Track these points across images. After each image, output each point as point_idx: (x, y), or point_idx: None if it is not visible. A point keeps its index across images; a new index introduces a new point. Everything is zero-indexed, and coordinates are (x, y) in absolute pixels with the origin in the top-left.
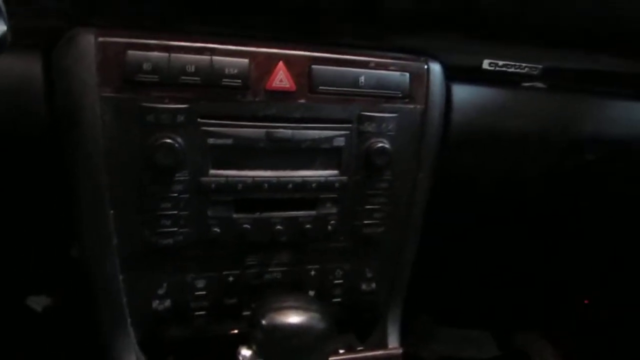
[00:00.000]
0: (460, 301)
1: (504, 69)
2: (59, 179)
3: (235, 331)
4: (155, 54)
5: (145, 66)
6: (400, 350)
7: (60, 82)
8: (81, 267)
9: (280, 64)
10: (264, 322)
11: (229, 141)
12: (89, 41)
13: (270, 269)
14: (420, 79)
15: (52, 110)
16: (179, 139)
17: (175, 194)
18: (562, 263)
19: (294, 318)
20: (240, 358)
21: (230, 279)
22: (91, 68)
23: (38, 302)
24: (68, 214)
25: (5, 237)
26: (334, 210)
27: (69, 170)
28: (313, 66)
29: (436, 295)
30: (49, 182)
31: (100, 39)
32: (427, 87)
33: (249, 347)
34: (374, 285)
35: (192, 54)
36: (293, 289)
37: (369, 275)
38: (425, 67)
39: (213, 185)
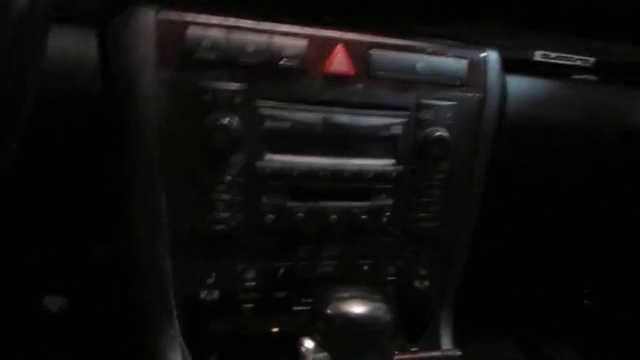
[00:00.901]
0: (487, 306)
1: (555, 60)
2: (110, 159)
3: (277, 329)
4: (215, 32)
5: (204, 44)
6: (459, 353)
7: (116, 58)
8: (128, 254)
9: (339, 46)
10: (328, 311)
11: (286, 125)
12: (149, 17)
13: (322, 262)
14: (477, 67)
15: (107, 87)
16: (236, 121)
17: (230, 178)
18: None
19: (359, 308)
20: (303, 350)
21: (281, 270)
22: (150, 45)
23: (54, 302)
24: (116, 199)
25: (32, 228)
26: (389, 201)
27: (123, 149)
28: (371, 50)
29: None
30: (99, 163)
31: (160, 15)
32: (485, 75)
33: (313, 338)
34: (427, 283)
35: (251, 34)
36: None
37: (423, 272)
38: (483, 55)
39: (268, 170)
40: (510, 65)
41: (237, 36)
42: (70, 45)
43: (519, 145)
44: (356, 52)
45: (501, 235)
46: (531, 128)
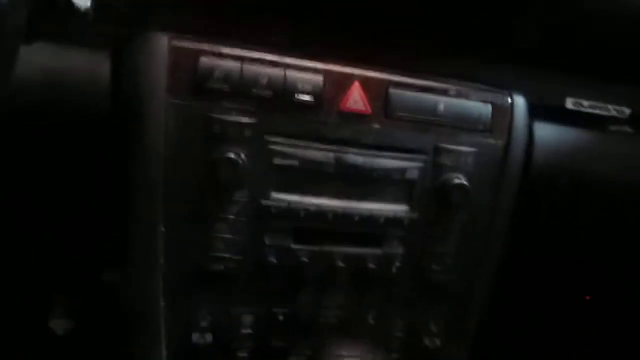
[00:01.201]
0: None
1: (589, 110)
2: (114, 183)
3: None
4: (229, 62)
5: (217, 74)
6: None
7: (128, 82)
8: (121, 287)
9: (356, 84)
10: None
11: (296, 162)
12: (162, 44)
13: (324, 311)
14: (503, 112)
15: (116, 110)
16: (244, 155)
17: (233, 216)
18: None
19: None
20: None
21: (281, 317)
22: (162, 70)
23: (60, 325)
24: (116, 226)
25: (40, 247)
26: (400, 250)
27: (126, 174)
28: (391, 89)
29: None
30: (103, 187)
31: (174, 42)
32: (511, 121)
33: None
34: (438, 342)
35: (265, 66)
36: (347, 337)
37: (434, 329)
38: (509, 100)
39: (274, 210)
40: (538, 112)
41: (251, 68)
42: (84, 66)
43: (546, 198)
44: (374, 90)
45: (521, 293)
46: (560, 180)
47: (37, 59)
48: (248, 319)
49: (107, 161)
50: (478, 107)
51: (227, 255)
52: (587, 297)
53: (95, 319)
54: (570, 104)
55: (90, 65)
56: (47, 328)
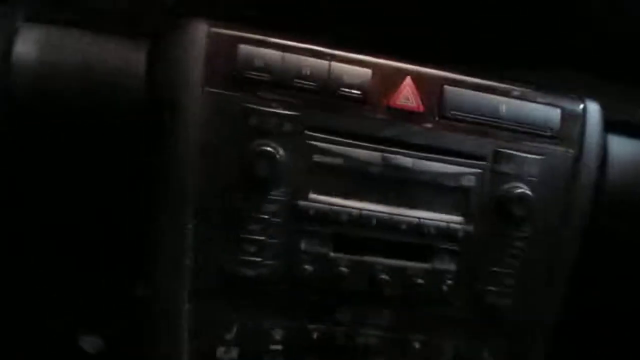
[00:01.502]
0: None
1: None
2: (145, 177)
3: None
4: (270, 51)
5: (257, 63)
6: None
7: (163, 71)
8: (148, 293)
9: (408, 79)
10: None
11: (338, 161)
12: (200, 31)
13: (364, 329)
14: (574, 118)
15: (149, 102)
16: (282, 150)
17: (267, 216)
18: None
19: None
20: None
21: (315, 334)
22: (199, 59)
23: (91, 344)
24: (145, 225)
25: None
26: (452, 266)
27: (158, 166)
28: (446, 86)
29: None
30: (135, 182)
31: (213, 29)
32: (583, 129)
33: None
34: None
35: (309, 57)
36: None
37: (488, 358)
38: (582, 106)
39: (312, 212)
40: (612, 126)
41: (293, 57)
42: (118, 54)
43: (621, 216)
44: (427, 86)
45: (591, 323)
46: (636, 199)
47: (71, 45)
48: (278, 334)
49: (139, 155)
50: (545, 110)
51: (259, 259)
52: None
53: (126, 336)
54: None
55: (124, 54)
56: (77, 347)
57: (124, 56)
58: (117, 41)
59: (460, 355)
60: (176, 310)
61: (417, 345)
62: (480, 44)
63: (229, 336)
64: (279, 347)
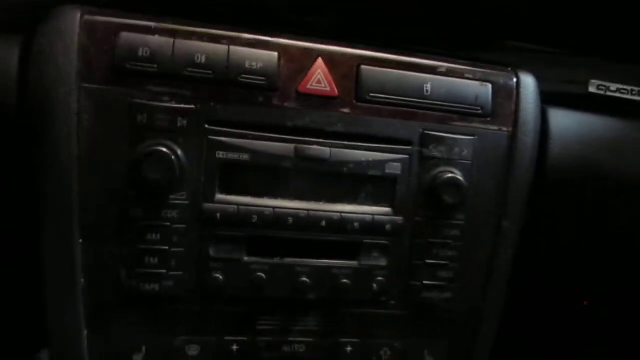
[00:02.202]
0: None
1: (616, 94)
2: (22, 191)
3: None
4: (157, 38)
5: (142, 52)
6: None
7: (33, 68)
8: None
9: (319, 61)
10: None
11: (245, 156)
12: (73, 19)
13: (290, 338)
14: (507, 93)
15: (22, 103)
16: (178, 149)
17: (167, 223)
18: None
19: None
20: None
21: (235, 347)
22: (71, 51)
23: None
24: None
25: None
26: (382, 262)
27: (34, 179)
28: (363, 66)
29: None
30: (11, 198)
31: (88, 17)
32: (517, 104)
33: None
34: None
35: (203, 42)
36: None
37: (430, 358)
38: (515, 79)
39: (219, 215)
40: (553, 98)
41: (185, 42)
42: None
43: (564, 197)
44: (342, 68)
45: (538, 311)
46: (580, 176)
47: None
48: (194, 350)
49: (15, 166)
50: (475, 86)
51: (163, 271)
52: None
53: None
54: (594, 87)
55: None
56: None
57: None
58: None
59: (399, 357)
60: (73, 335)
61: (349, 349)
62: (400, 17)
63: (136, 357)
64: None
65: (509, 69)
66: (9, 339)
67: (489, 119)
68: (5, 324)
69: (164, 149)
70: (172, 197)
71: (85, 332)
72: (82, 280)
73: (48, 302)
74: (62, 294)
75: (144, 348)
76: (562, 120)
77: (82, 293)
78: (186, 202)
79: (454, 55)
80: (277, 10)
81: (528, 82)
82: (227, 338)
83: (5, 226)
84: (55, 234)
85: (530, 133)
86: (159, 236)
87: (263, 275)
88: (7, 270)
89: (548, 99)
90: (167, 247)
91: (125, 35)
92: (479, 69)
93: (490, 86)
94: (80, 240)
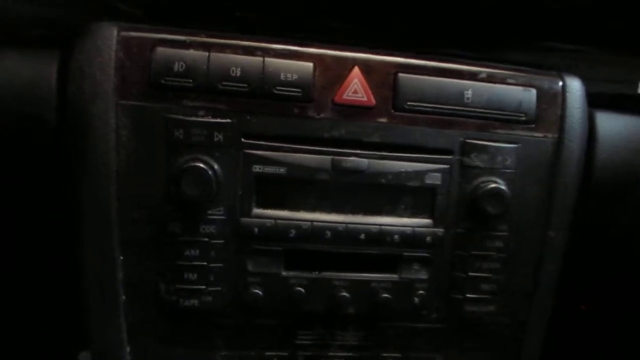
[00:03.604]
0: None
1: None
2: (63, 208)
3: None
4: (191, 52)
5: (177, 67)
6: None
7: (72, 84)
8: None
9: (356, 70)
10: None
11: (281, 170)
12: (109, 35)
13: (331, 353)
14: (552, 98)
15: (62, 120)
16: (215, 164)
17: (206, 239)
18: None
19: None
20: None
21: None
22: (108, 67)
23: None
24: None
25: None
26: (423, 275)
27: (74, 194)
28: (400, 74)
29: None
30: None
31: (124, 33)
32: (563, 110)
33: None
34: None
35: (237, 54)
36: None
37: None
38: (560, 83)
39: (256, 230)
40: (601, 100)
41: (220, 56)
42: (28, 69)
43: (613, 206)
44: (378, 76)
45: (587, 325)
46: (629, 181)
47: None
48: None
49: (56, 182)
50: (518, 92)
51: (202, 287)
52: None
53: None
54: None
55: (33, 68)
56: None
57: (31, 72)
58: (22, 55)
59: None
60: (117, 353)
61: None
62: (438, 21)
63: None
64: None
65: (554, 72)
66: (51, 340)
67: (533, 125)
68: (47, 325)
69: (202, 165)
70: (209, 212)
71: (128, 349)
72: (123, 296)
73: (91, 318)
74: (104, 310)
75: None
76: (609, 123)
77: (124, 309)
78: (223, 217)
79: (494, 59)
80: (309, 18)
81: (574, 86)
82: (267, 353)
83: (47, 239)
84: (96, 251)
85: (577, 139)
86: (197, 251)
87: (302, 290)
88: (50, 276)
89: (594, 101)
90: (205, 263)
91: (160, 50)
92: (521, 74)
93: (534, 91)
94: (121, 257)
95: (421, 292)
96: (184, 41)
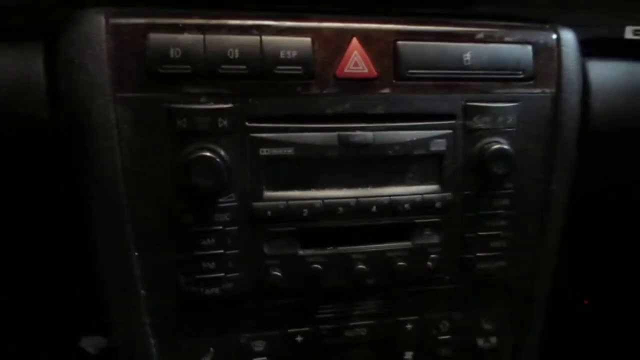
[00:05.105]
0: None
1: None
2: (69, 210)
3: None
4: (186, 36)
5: (173, 53)
6: None
7: (63, 79)
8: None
9: (354, 41)
10: None
11: (289, 150)
12: (97, 24)
13: (352, 323)
14: (548, 52)
15: (56, 117)
16: (222, 151)
17: (220, 227)
18: None
19: None
20: None
21: (299, 338)
22: (101, 59)
23: (93, 344)
24: (88, 263)
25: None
26: (435, 239)
27: (82, 194)
28: (399, 42)
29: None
30: (59, 216)
31: (113, 20)
32: (559, 63)
33: None
34: (494, 340)
35: (234, 34)
36: (384, 348)
37: (488, 327)
38: (555, 36)
39: (269, 212)
40: (590, 48)
41: (216, 38)
42: (13, 65)
43: (612, 153)
44: (378, 45)
45: (592, 274)
46: (624, 127)
47: None
48: (260, 345)
49: (58, 183)
50: (515, 50)
51: (221, 275)
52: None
53: None
54: (630, 33)
55: (18, 64)
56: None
57: (18, 67)
58: (12, 48)
59: (458, 329)
60: (144, 348)
61: (409, 326)
62: None
63: (206, 359)
64: (263, 359)
65: (547, 25)
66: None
67: (531, 82)
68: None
69: (209, 154)
70: (221, 200)
71: (153, 342)
72: (143, 291)
73: (112, 317)
74: (125, 307)
75: (211, 349)
76: (601, 71)
77: (145, 304)
78: (235, 204)
79: (486, 15)
80: None
81: (568, 38)
82: (290, 330)
83: (62, 241)
84: (110, 249)
85: (574, 92)
86: (213, 240)
87: (319, 267)
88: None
89: (588, 49)
90: (222, 251)
91: (154, 37)
92: (517, 30)
93: (530, 47)
94: (136, 253)
95: (434, 256)
96: (177, 25)
